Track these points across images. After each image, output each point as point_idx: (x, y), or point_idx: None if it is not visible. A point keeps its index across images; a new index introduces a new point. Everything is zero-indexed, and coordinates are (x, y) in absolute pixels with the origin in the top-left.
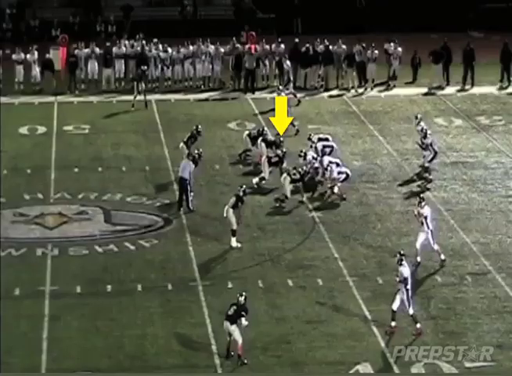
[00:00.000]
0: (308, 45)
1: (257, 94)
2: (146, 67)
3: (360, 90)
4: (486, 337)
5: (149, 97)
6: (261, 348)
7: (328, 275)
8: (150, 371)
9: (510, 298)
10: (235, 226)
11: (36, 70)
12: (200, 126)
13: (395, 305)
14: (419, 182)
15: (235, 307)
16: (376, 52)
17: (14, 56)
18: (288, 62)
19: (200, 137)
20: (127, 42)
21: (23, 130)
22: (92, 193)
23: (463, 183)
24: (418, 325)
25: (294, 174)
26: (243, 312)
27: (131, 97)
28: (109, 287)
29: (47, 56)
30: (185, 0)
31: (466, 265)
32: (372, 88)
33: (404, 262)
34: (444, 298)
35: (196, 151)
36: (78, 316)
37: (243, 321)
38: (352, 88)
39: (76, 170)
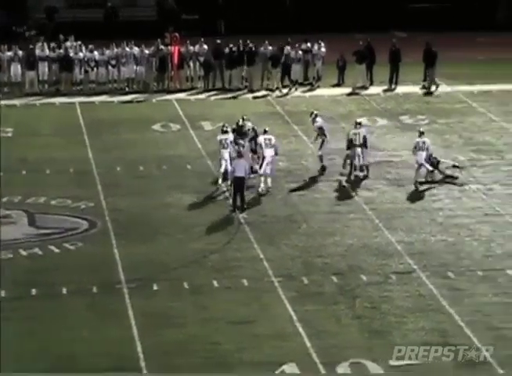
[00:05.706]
0: (231, 45)
1: (182, 95)
2: None
3: (284, 91)
4: (411, 335)
5: (73, 99)
6: (188, 349)
7: (254, 275)
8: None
9: (435, 297)
10: None
11: None
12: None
13: None
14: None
15: None
16: (300, 52)
17: None
18: None
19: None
20: (50, 44)
21: None
22: (16, 197)
23: (388, 182)
24: None
25: None
26: None
27: (55, 99)
28: (34, 291)
29: None
30: (109, 2)
31: (391, 264)
32: (296, 89)
33: None
34: (369, 297)
35: None
36: (3, 320)
37: None
38: (277, 88)
39: (1, 173)
